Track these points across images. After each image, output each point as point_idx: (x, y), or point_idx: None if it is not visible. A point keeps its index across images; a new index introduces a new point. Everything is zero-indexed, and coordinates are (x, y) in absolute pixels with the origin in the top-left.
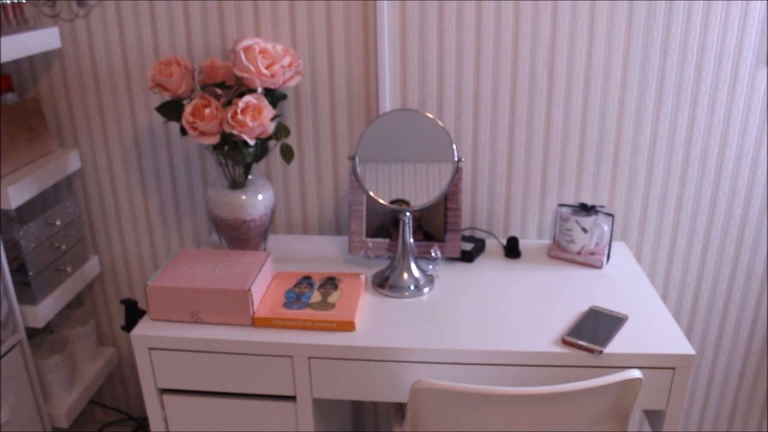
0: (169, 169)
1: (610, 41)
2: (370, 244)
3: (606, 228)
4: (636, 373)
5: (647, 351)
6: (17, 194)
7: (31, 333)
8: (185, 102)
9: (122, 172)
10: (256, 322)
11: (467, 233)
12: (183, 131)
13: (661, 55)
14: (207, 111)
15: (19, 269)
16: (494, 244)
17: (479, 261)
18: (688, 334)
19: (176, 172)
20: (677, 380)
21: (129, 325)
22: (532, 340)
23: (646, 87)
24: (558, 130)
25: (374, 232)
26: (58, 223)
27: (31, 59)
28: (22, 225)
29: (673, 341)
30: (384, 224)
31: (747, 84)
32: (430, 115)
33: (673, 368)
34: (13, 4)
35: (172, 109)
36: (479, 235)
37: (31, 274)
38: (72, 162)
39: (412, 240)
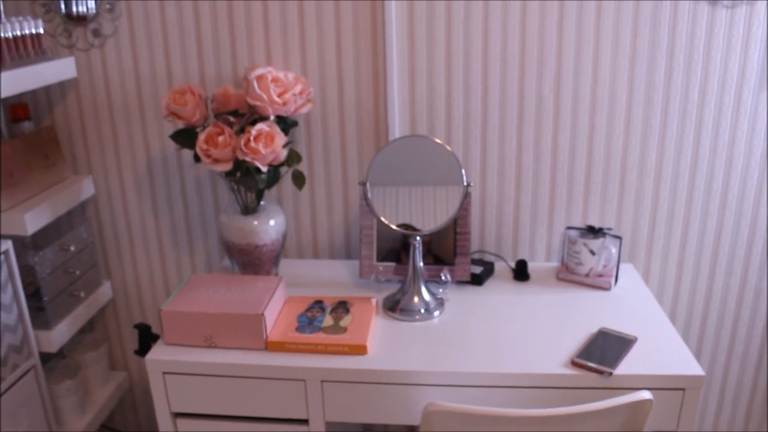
0: (182, 195)
1: (615, 66)
2: (381, 268)
3: (614, 250)
4: (646, 395)
5: (657, 372)
6: (33, 221)
7: (45, 358)
8: (198, 130)
9: (135, 199)
10: (270, 346)
11: (476, 256)
12: (197, 158)
13: (666, 80)
14: (220, 138)
15: (33, 294)
16: (503, 267)
17: (489, 284)
18: (698, 355)
19: (188, 198)
20: (687, 401)
21: (143, 350)
22: (542, 362)
23: (652, 111)
24: (565, 154)
25: (384, 256)
26: (72, 248)
27: (47, 88)
28: (37, 251)
29: (683, 362)
30: (394, 248)
31: (750, 107)
32: (439, 141)
33: (683, 389)
34: (31, 35)
35: (186, 137)
36: (488, 258)
37: (45, 299)
38: (86, 189)
39: (422, 264)
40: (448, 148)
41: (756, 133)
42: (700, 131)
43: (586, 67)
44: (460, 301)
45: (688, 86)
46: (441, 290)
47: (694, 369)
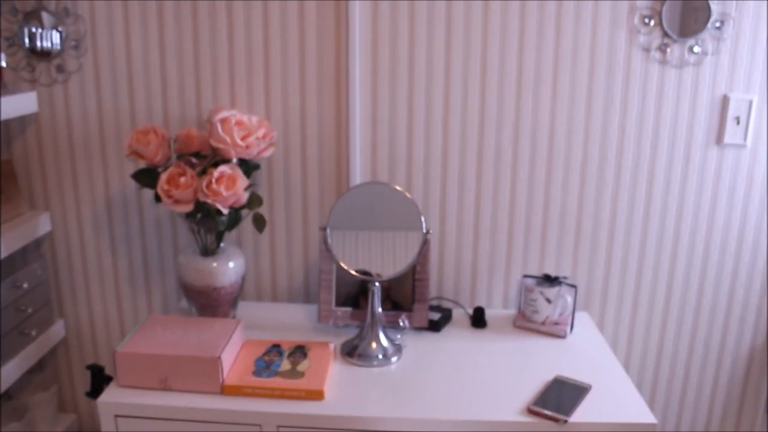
0: (140, 234)
1: (571, 119)
2: (339, 314)
3: (569, 299)
4: None
5: (611, 420)
6: None
7: None
8: (160, 170)
9: (92, 236)
10: (226, 390)
11: (434, 303)
12: (157, 198)
13: (619, 134)
14: (182, 180)
15: None
16: (461, 314)
17: (446, 331)
18: (651, 402)
19: (147, 237)
20: None
21: (95, 392)
22: (498, 410)
23: (606, 164)
24: (522, 203)
25: (343, 300)
26: (25, 285)
27: (6, 122)
28: None
29: (636, 411)
30: (353, 293)
31: (699, 162)
32: (399, 188)
33: None
34: None
35: (147, 177)
36: (446, 304)
37: None
38: (42, 224)
39: (380, 309)
40: (408, 195)
41: (704, 187)
42: (651, 184)
43: (543, 121)
44: (418, 347)
45: (640, 141)
46: (399, 336)
47: (648, 417)
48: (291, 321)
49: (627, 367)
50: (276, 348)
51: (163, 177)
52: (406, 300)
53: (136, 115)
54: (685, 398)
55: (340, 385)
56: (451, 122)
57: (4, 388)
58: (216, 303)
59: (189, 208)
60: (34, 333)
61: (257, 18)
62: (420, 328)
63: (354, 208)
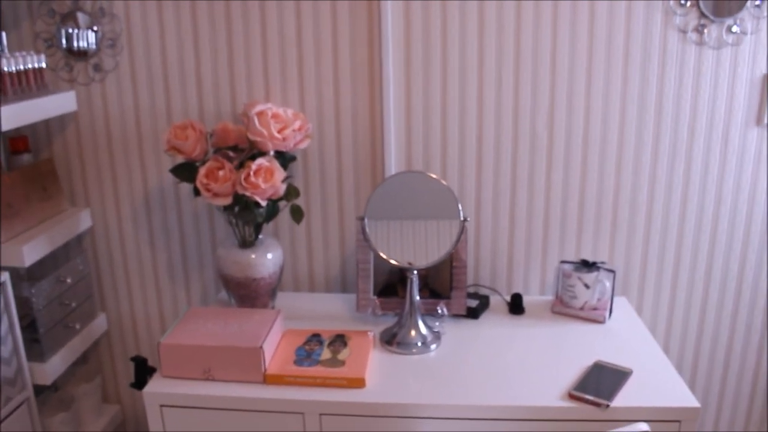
0: (178, 228)
1: (606, 104)
2: (378, 302)
3: (608, 284)
4: (644, 426)
5: (653, 404)
6: (31, 253)
7: (38, 390)
8: (198, 164)
9: (131, 231)
10: (268, 380)
11: (471, 290)
12: (196, 192)
13: (656, 118)
14: (221, 173)
15: (29, 326)
16: (498, 301)
17: (484, 317)
18: (691, 386)
19: (185, 231)
20: None
21: (139, 383)
22: (539, 395)
23: (642, 148)
24: (558, 189)
25: (381, 289)
26: (68, 280)
27: (47, 121)
28: (34, 283)
29: (678, 394)
30: (391, 282)
31: (738, 144)
32: (435, 176)
33: (679, 421)
34: (33, 70)
35: (186, 171)
36: (483, 291)
37: (41, 331)
38: (83, 221)
39: (418, 297)
40: (444, 182)
41: (743, 170)
42: (689, 168)
43: (578, 105)
44: (457, 334)
45: (677, 124)
46: (437, 324)
47: (690, 401)
48: (329, 310)
49: (666, 351)
50: (316, 337)
51: (202, 171)
52: (444, 287)
53: (172, 111)
54: (726, 383)
55: (381, 373)
56: (486, 110)
57: (50, 380)
58: (255, 294)
59: (228, 201)
60: (78, 326)
61: (290, 14)
62: (458, 316)
63: (391, 197)
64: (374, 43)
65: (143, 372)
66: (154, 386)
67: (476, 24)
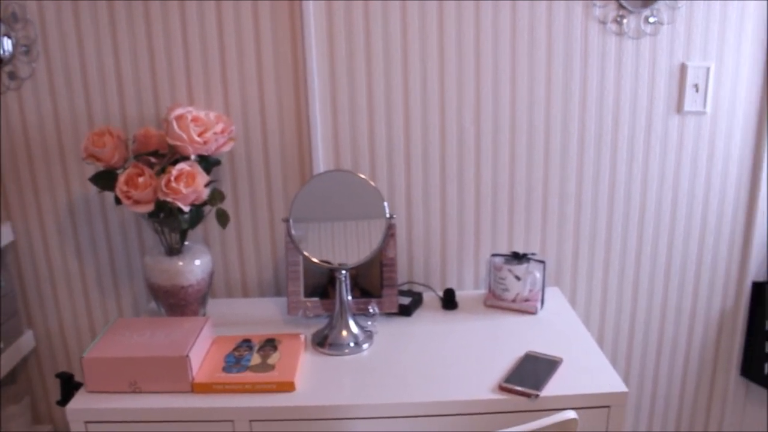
0: (105, 238)
1: (531, 97)
2: (309, 304)
3: (538, 275)
4: (571, 414)
5: (582, 392)
6: None
7: None
8: (119, 171)
9: (57, 243)
10: (196, 388)
11: (405, 287)
12: (117, 201)
13: (580, 108)
14: (140, 180)
15: None
16: (432, 297)
17: (417, 314)
18: (627, 372)
19: (112, 240)
20: (613, 418)
21: (65, 400)
22: (471, 389)
23: (569, 138)
24: (488, 183)
25: (312, 291)
26: None
27: None
28: None
29: (606, 380)
30: (321, 283)
31: (661, 131)
32: (360, 175)
33: (608, 407)
34: None
35: (105, 179)
36: (417, 288)
37: None
38: (4, 235)
39: (349, 297)
40: (368, 180)
41: (667, 157)
42: (615, 156)
43: (503, 99)
44: (389, 332)
45: (602, 114)
46: (369, 323)
47: (618, 386)
48: (262, 315)
49: (601, 338)
50: (246, 343)
51: (121, 178)
52: (375, 286)
53: (94, 117)
54: (659, 366)
55: (312, 376)
56: (412, 106)
57: None
58: (184, 302)
59: (150, 208)
60: (2, 345)
61: (211, 14)
62: (390, 314)
63: (317, 197)
64: (297, 41)
65: (69, 388)
66: (78, 402)
67: (399, 20)
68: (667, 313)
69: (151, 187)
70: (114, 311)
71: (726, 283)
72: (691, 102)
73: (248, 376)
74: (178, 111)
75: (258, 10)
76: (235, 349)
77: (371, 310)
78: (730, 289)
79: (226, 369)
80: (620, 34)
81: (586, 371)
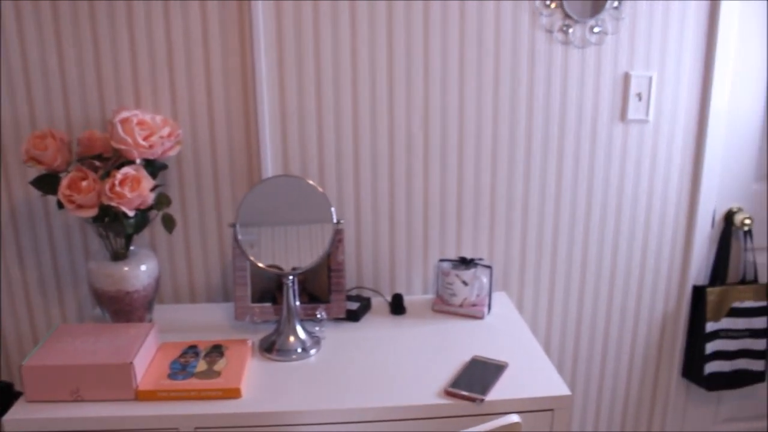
0: (49, 242)
1: (480, 103)
2: (257, 310)
3: (485, 280)
4: (514, 418)
5: (526, 395)
6: None
7: None
8: (62, 175)
9: None
10: (140, 396)
11: (354, 293)
12: (60, 205)
13: (527, 115)
14: (84, 184)
15: None
16: (380, 302)
17: (365, 319)
18: (573, 375)
19: (56, 245)
20: (557, 421)
21: (3, 410)
22: (417, 394)
23: (516, 145)
24: (436, 188)
25: (261, 296)
26: None
27: None
28: None
29: (550, 384)
30: (270, 288)
31: (605, 139)
32: (306, 179)
33: (552, 410)
34: None
35: (48, 183)
36: (366, 293)
37: None
38: None
39: (298, 303)
40: (312, 184)
41: (612, 164)
42: (561, 163)
43: (452, 105)
44: (337, 338)
45: (548, 121)
46: (317, 328)
47: (561, 389)
48: (210, 321)
49: (548, 341)
50: (192, 349)
51: (64, 182)
52: (323, 292)
53: (37, 119)
54: (605, 368)
55: (259, 382)
56: (360, 111)
57: None
58: (129, 308)
59: (93, 212)
60: None
61: (158, 15)
62: (339, 319)
63: (264, 202)
64: (246, 45)
65: (8, 398)
66: (17, 412)
67: (348, 26)
68: (612, 316)
69: (95, 191)
70: (58, 318)
71: (668, 287)
72: (634, 110)
73: (194, 383)
74: (124, 114)
75: (206, 11)
76: (180, 356)
77: (319, 316)
78: (672, 292)
79: (172, 376)
80: (566, 43)
81: (531, 375)
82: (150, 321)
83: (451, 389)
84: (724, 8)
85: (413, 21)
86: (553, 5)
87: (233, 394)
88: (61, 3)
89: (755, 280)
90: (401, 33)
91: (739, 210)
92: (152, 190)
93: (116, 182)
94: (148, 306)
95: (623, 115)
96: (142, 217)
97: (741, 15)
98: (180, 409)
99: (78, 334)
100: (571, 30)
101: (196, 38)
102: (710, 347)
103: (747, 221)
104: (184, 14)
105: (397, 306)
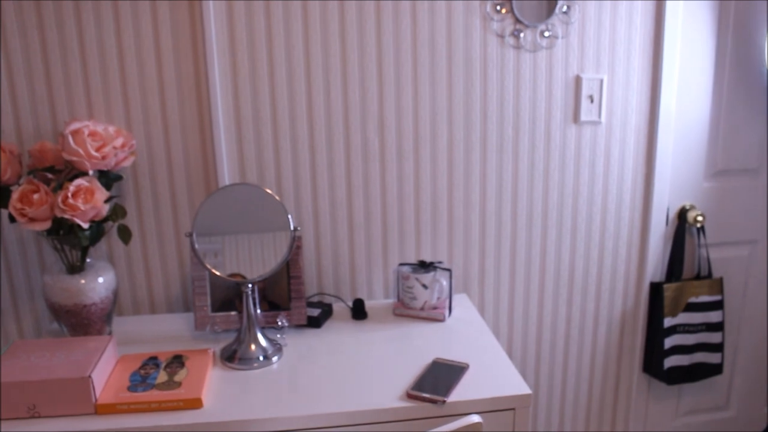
0: (3, 256)
1: (434, 107)
2: (217, 319)
3: (445, 282)
4: (475, 418)
5: (486, 396)
6: None
7: None
8: (13, 188)
9: None
10: (99, 410)
11: (315, 299)
12: (12, 218)
13: (482, 118)
14: (36, 196)
15: None
16: (342, 308)
17: (327, 325)
18: (537, 376)
19: (10, 258)
20: (518, 420)
21: None
22: (380, 398)
23: (471, 148)
24: (393, 193)
25: (221, 305)
26: None
27: None
28: None
29: (511, 383)
30: (230, 297)
31: (559, 141)
32: (262, 187)
33: (513, 409)
34: None
35: None
36: (327, 299)
37: None
38: None
39: (259, 311)
40: (269, 191)
41: (566, 165)
42: (517, 165)
43: (406, 109)
44: (299, 344)
45: (503, 124)
46: (279, 336)
47: (522, 388)
48: (170, 331)
49: (510, 342)
50: (153, 360)
51: (15, 195)
52: (284, 299)
53: None
54: (567, 367)
55: (221, 392)
56: (315, 118)
57: None
58: (87, 321)
59: (47, 225)
60: None
61: (108, 22)
62: (300, 326)
63: (221, 211)
64: (199, 53)
65: None
66: None
67: (301, 32)
68: (573, 316)
69: (48, 203)
70: (14, 333)
71: (626, 285)
72: (586, 112)
73: (154, 395)
74: (75, 125)
75: (157, 19)
76: (141, 368)
77: (280, 323)
78: (630, 289)
79: (132, 388)
80: (518, 47)
81: (492, 375)
82: (109, 333)
83: (412, 392)
84: (669, 9)
85: (366, 26)
86: (503, 10)
87: (194, 404)
88: (7, 12)
89: (710, 275)
90: (354, 38)
91: (692, 207)
92: (107, 201)
93: (69, 194)
94: (107, 318)
95: (576, 117)
96: (98, 229)
97: (685, 16)
98: (141, 422)
99: (34, 350)
100: (522, 34)
101: (148, 47)
102: (669, 342)
103: (699, 218)
104: (134, 20)
105: (358, 311)
